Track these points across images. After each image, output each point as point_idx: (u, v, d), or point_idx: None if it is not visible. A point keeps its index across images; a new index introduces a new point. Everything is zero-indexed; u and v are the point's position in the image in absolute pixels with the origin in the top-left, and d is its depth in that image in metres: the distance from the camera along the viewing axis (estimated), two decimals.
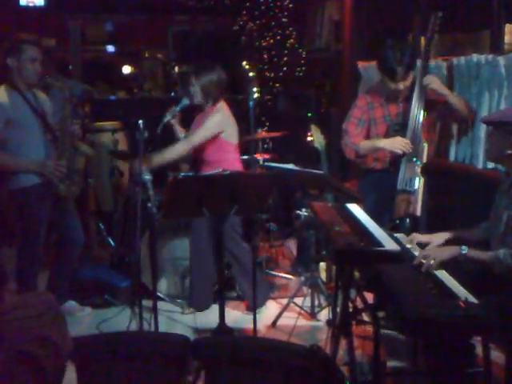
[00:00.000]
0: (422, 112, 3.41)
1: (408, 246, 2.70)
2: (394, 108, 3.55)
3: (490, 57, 3.53)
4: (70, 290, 3.92)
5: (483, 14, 4.05)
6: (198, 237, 3.84)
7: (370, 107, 3.59)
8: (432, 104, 3.50)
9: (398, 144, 3.39)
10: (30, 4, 6.54)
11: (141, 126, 3.31)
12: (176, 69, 8.29)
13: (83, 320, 3.82)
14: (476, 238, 2.75)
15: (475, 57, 3.63)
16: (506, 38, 3.92)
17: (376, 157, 3.60)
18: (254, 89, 6.11)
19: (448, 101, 3.41)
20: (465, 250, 2.46)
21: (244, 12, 6.59)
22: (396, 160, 3.47)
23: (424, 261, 2.44)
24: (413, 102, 3.42)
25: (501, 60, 3.43)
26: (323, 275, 4.10)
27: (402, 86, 3.42)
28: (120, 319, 3.74)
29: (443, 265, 2.44)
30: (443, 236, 2.73)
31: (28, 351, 1.42)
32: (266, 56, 6.56)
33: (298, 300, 3.83)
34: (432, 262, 2.41)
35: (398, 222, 3.36)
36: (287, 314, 3.77)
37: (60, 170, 3.50)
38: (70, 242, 3.75)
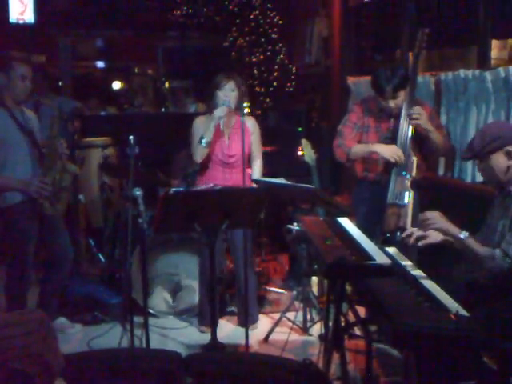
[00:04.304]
0: (410, 126, 3.44)
1: (402, 262, 2.71)
2: (385, 123, 3.58)
3: (477, 72, 3.58)
4: (61, 307, 3.88)
5: (470, 29, 4.11)
6: (202, 252, 3.79)
7: (366, 114, 3.61)
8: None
9: (393, 152, 3.41)
10: (20, 21, 6.55)
11: (131, 141, 3.32)
12: (166, 84, 8.33)
13: (74, 337, 3.78)
14: None
15: (462, 72, 3.68)
16: (493, 53, 3.97)
17: (366, 167, 3.62)
18: (245, 104, 6.15)
19: (429, 137, 3.43)
20: (464, 234, 2.47)
21: (234, 28, 6.66)
22: (387, 172, 3.49)
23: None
24: (401, 117, 3.45)
25: (487, 75, 3.48)
26: (315, 289, 4.09)
27: (392, 104, 3.45)
28: (111, 336, 3.71)
29: (436, 269, 2.44)
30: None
31: (20, 369, 1.41)
32: (256, 71, 6.61)
33: (291, 315, 3.82)
34: (431, 227, 2.44)
35: (388, 235, 3.37)
36: (279, 328, 3.76)
37: (45, 189, 3.46)
38: (59, 259, 3.72)
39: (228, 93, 3.65)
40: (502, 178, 2.56)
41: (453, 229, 2.50)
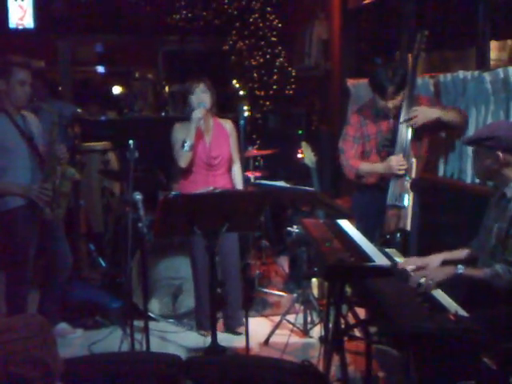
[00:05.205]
0: (409, 128, 3.44)
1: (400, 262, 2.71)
2: (386, 124, 3.58)
3: (476, 73, 3.58)
4: (61, 312, 3.88)
5: (469, 31, 4.12)
6: (195, 256, 3.80)
7: (363, 124, 3.61)
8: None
9: (394, 167, 3.40)
10: (20, 26, 6.57)
11: (131, 145, 3.32)
12: (166, 88, 8.33)
13: (74, 342, 3.78)
14: (469, 256, 2.76)
15: (461, 73, 3.68)
16: (492, 55, 3.97)
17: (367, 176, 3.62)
18: (245, 107, 6.15)
19: (443, 120, 3.43)
20: (461, 269, 2.47)
21: (234, 32, 6.67)
22: (387, 178, 3.49)
23: (422, 280, 2.44)
24: (401, 118, 3.45)
25: (486, 76, 3.48)
26: (315, 292, 4.09)
27: (391, 104, 3.45)
28: (111, 340, 3.71)
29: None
30: (438, 259, 2.72)
31: (19, 373, 1.41)
32: (255, 75, 6.62)
33: (291, 317, 3.81)
34: (429, 283, 2.42)
35: (388, 236, 3.37)
36: (280, 331, 3.76)
37: (45, 194, 3.47)
38: (59, 264, 3.72)
39: (200, 95, 3.70)
40: (482, 176, 2.63)
41: (449, 272, 2.48)
